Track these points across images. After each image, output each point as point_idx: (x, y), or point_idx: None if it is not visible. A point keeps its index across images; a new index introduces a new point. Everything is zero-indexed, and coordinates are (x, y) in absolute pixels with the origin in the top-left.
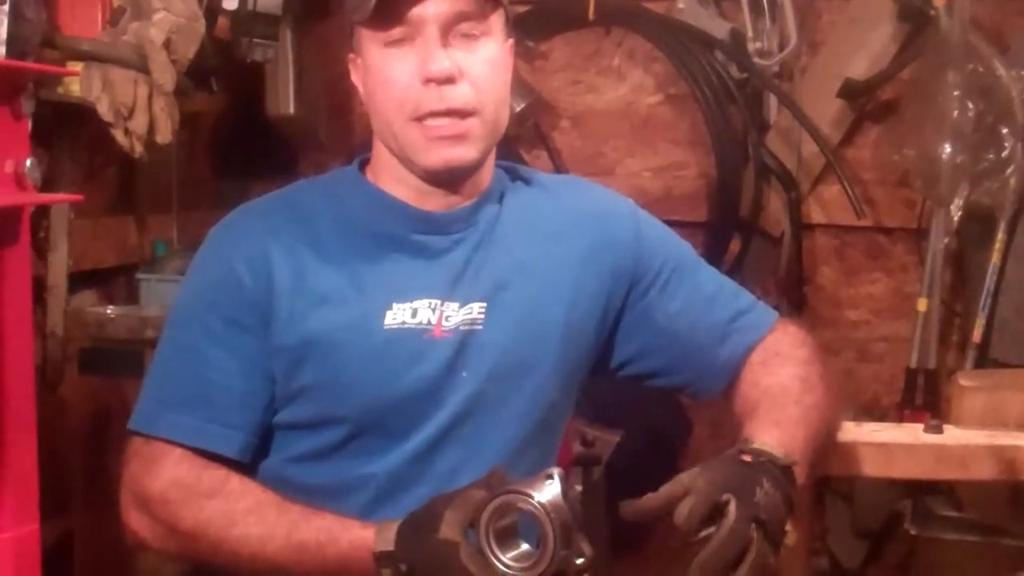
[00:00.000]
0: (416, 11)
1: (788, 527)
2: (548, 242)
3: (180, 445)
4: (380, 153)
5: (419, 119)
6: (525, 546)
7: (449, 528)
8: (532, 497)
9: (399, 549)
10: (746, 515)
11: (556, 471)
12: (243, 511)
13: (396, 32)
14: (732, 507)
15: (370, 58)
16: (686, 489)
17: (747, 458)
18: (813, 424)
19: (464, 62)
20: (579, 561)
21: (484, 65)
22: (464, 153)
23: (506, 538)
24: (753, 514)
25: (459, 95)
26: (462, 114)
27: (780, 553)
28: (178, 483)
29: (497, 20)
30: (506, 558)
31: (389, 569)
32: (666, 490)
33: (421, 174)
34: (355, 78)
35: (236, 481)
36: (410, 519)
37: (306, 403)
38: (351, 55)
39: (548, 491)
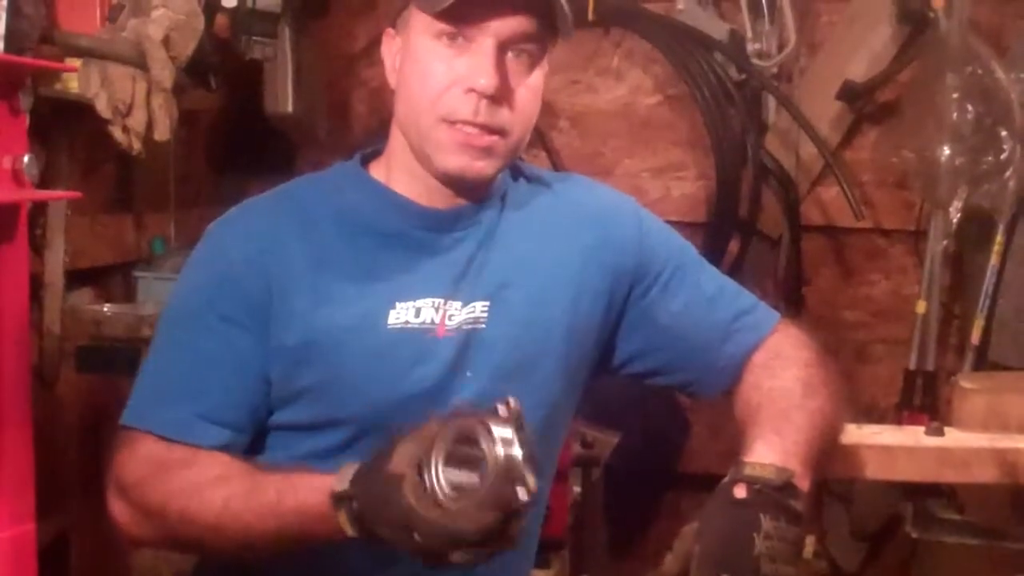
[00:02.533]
0: (484, 20)
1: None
2: (550, 240)
3: (164, 438)
4: (396, 144)
5: (450, 122)
6: (476, 478)
7: (400, 460)
8: (483, 422)
9: (353, 486)
10: None
11: (512, 400)
12: (210, 479)
13: (455, 30)
14: None
15: (417, 46)
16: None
17: (742, 493)
18: (817, 428)
19: (512, 83)
20: (520, 490)
21: (528, 91)
22: (483, 167)
23: (461, 468)
24: None
25: (496, 115)
26: (492, 130)
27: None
28: (150, 459)
29: (549, 49)
30: (450, 490)
31: (343, 510)
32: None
33: (435, 173)
34: (386, 52)
35: (205, 454)
36: (369, 457)
37: (308, 404)
38: (389, 30)
39: (498, 418)
